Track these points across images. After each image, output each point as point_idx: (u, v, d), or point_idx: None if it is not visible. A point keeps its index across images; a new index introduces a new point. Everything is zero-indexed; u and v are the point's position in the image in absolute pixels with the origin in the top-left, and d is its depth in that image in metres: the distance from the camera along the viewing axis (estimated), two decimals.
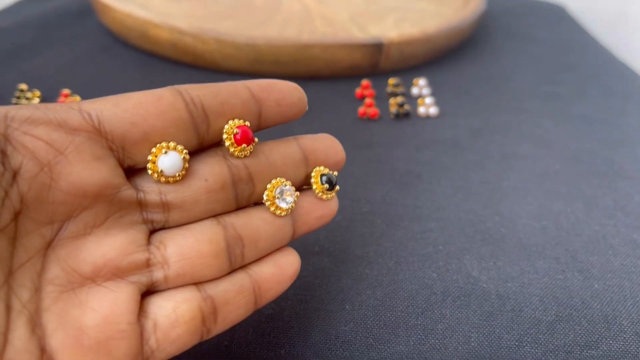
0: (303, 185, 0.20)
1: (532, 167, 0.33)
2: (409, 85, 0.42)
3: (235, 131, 0.17)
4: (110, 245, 0.16)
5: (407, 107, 0.38)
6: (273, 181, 0.19)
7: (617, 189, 0.32)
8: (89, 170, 0.15)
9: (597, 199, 0.31)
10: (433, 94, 0.41)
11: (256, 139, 0.18)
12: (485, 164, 0.33)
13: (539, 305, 0.24)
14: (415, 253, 0.26)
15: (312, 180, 0.20)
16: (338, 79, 0.42)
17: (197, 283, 0.17)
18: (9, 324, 0.14)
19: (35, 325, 0.15)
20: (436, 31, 0.44)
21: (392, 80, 0.41)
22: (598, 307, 0.24)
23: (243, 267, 0.19)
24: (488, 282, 0.25)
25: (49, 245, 0.15)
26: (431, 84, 0.42)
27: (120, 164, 0.16)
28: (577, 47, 0.52)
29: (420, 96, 0.40)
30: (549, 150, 0.35)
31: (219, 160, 0.18)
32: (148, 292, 0.17)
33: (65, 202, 0.15)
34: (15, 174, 0.14)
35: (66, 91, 0.37)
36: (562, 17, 0.61)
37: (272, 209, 0.19)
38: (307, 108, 0.19)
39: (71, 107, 0.15)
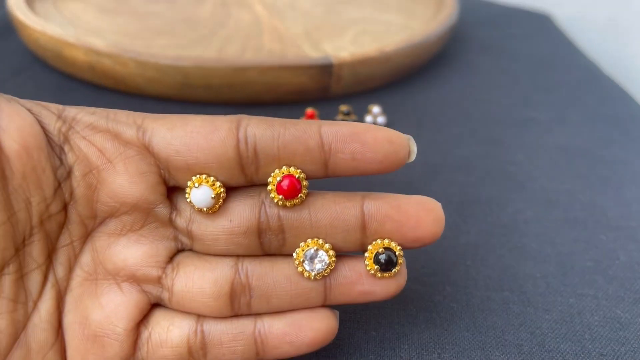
0: (359, 252, 0.18)
1: (498, 216, 0.28)
2: (365, 111, 0.36)
3: (280, 180, 0.16)
4: (134, 252, 0.17)
5: None
6: (308, 241, 0.17)
7: (598, 244, 0.26)
8: (129, 183, 0.16)
9: (574, 258, 0.25)
10: (389, 123, 0.35)
11: (304, 191, 0.17)
12: None
13: None
14: (339, 343, 0.21)
15: (366, 254, 0.17)
16: (283, 105, 0.37)
17: (200, 315, 0.18)
18: (41, 294, 0.16)
19: (60, 301, 0.17)
20: (396, 49, 0.38)
21: (343, 107, 0.35)
22: None
23: (256, 315, 0.18)
24: None
25: (89, 234, 0.17)
26: (389, 110, 0.37)
27: (165, 182, 0.17)
28: (561, 62, 0.47)
29: None
30: (520, 193, 0.30)
31: (253, 204, 0.17)
32: (159, 305, 0.18)
33: (107, 204, 0.17)
34: (69, 171, 0.16)
35: None
36: (547, 27, 0.56)
37: (300, 269, 0.17)
38: (410, 159, 0.17)
39: (134, 121, 0.16)
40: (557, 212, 0.28)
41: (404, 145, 0.16)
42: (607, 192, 0.30)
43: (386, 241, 0.17)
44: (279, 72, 0.35)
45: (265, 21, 0.46)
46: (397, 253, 0.17)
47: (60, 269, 0.17)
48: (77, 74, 0.37)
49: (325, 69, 0.36)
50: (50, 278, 0.16)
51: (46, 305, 0.16)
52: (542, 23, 0.57)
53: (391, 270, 0.17)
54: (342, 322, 0.21)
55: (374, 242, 0.17)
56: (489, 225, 0.27)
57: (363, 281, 0.17)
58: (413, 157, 0.17)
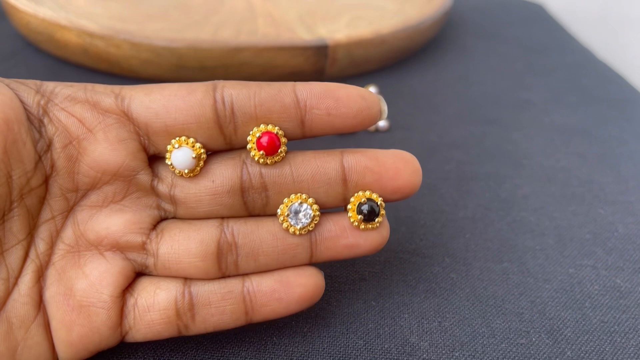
0: (341, 207, 0.18)
1: (495, 191, 0.28)
2: None
3: (259, 137, 0.17)
4: (116, 221, 0.17)
5: None
6: (292, 196, 0.17)
7: (596, 217, 0.26)
8: (110, 150, 0.16)
9: (573, 231, 0.25)
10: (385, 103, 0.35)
11: (284, 148, 0.17)
12: (439, 189, 0.27)
13: None
14: (338, 312, 0.20)
15: (349, 206, 0.18)
16: None
17: (187, 278, 0.17)
18: (21, 270, 0.16)
19: (40, 275, 0.16)
20: (391, 32, 0.38)
21: None
22: None
23: (244, 275, 0.18)
24: (430, 350, 0.19)
25: (71, 209, 0.17)
26: (385, 91, 0.37)
27: (146, 149, 0.17)
28: (555, 47, 0.47)
29: None
30: (517, 169, 0.29)
31: (235, 164, 0.17)
32: (143, 273, 0.18)
33: (88, 175, 0.16)
34: (49, 143, 0.16)
35: None
36: (540, 15, 0.56)
37: (285, 225, 0.17)
38: (382, 118, 0.17)
39: (112, 91, 0.17)
40: (555, 188, 0.28)
41: (375, 101, 0.17)
42: (604, 170, 0.30)
43: (367, 193, 0.17)
44: (274, 53, 0.34)
45: (258, 6, 0.46)
46: (378, 203, 0.17)
47: (41, 244, 0.16)
48: (69, 57, 0.37)
49: (321, 51, 0.35)
50: (32, 254, 0.16)
51: (25, 279, 0.16)
52: (535, 12, 0.57)
53: (374, 220, 0.17)
54: (341, 292, 0.21)
55: (355, 195, 0.18)
56: (487, 201, 0.27)
57: (347, 234, 0.18)
58: (384, 116, 0.17)
